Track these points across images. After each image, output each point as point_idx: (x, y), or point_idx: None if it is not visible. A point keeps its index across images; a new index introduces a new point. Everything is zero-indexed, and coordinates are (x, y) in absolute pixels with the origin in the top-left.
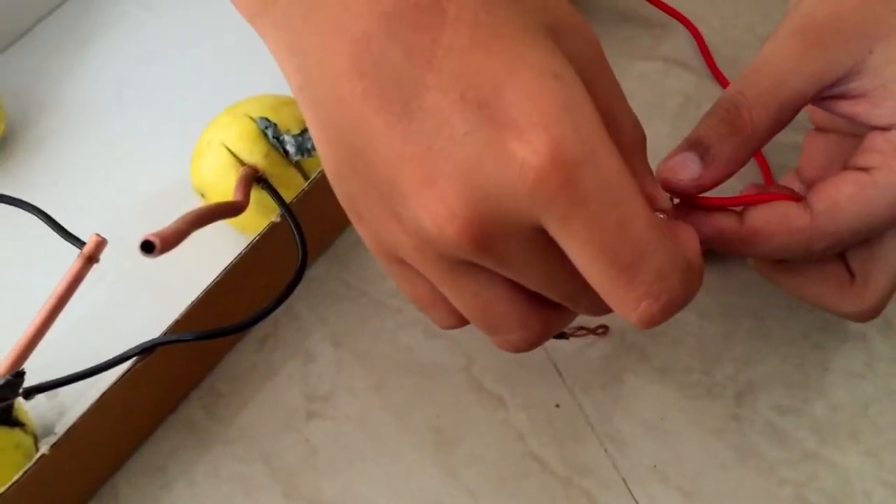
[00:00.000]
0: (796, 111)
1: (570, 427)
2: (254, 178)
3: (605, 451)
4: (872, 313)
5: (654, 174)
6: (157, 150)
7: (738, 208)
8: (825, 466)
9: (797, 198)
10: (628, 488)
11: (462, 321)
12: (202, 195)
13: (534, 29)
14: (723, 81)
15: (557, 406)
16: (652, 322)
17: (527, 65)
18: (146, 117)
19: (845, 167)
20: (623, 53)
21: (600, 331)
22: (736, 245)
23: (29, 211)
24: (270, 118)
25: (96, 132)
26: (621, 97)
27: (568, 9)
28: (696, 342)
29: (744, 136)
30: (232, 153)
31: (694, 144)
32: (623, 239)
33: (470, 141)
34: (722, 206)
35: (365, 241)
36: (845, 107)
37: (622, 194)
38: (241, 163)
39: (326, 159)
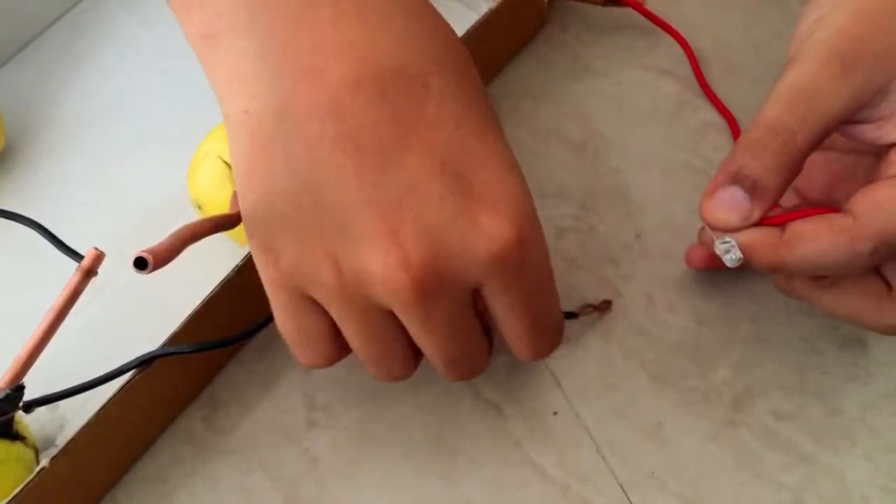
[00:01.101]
0: (831, 133)
1: (567, 434)
2: None
3: (603, 458)
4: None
5: (699, 209)
6: (155, 163)
7: None
8: (823, 471)
9: (838, 210)
10: (626, 495)
11: (330, 362)
12: (199, 207)
13: (494, 114)
14: (709, 94)
15: (555, 413)
16: (541, 356)
17: (496, 151)
18: (144, 130)
19: (876, 178)
20: (619, 60)
21: (603, 306)
22: (780, 251)
23: (27, 225)
24: None
25: (94, 146)
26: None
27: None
28: (694, 348)
29: (790, 163)
30: (228, 165)
31: (738, 178)
32: (540, 303)
33: (445, 206)
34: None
35: (262, 272)
36: (868, 131)
37: (548, 269)
38: None
39: (257, 188)
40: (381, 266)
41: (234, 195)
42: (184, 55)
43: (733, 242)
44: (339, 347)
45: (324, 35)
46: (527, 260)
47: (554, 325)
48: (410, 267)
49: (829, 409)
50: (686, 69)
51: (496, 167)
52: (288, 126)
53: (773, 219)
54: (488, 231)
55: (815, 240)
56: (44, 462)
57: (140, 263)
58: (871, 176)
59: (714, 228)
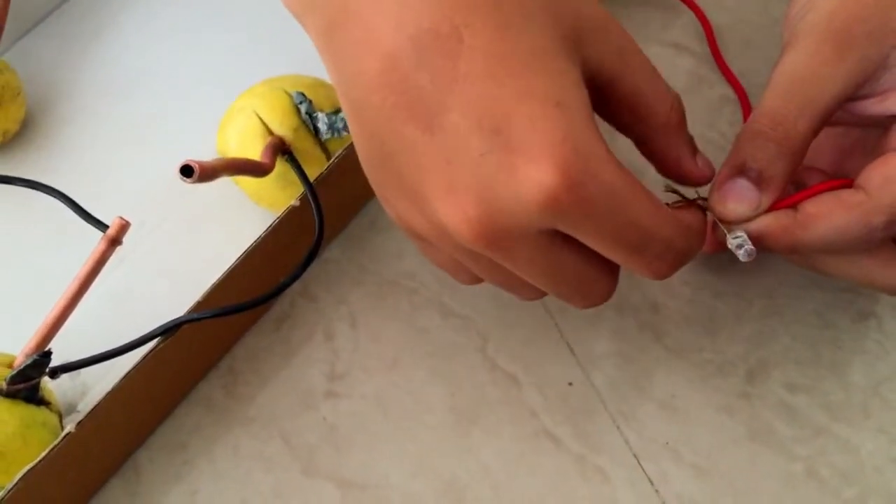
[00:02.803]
0: (833, 114)
1: (583, 405)
2: (280, 149)
3: (618, 428)
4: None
5: (708, 204)
6: (176, 132)
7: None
8: (836, 443)
9: (848, 182)
10: (641, 465)
11: (473, 282)
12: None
13: (544, 50)
14: (724, 69)
15: (571, 384)
16: (663, 277)
17: (532, 94)
18: (165, 100)
19: (885, 150)
20: (636, 36)
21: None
22: (795, 233)
23: (52, 195)
24: (306, 95)
25: (116, 115)
26: (653, 80)
27: (589, 11)
28: (709, 321)
29: (793, 151)
30: (262, 122)
31: (743, 170)
32: (629, 231)
33: (486, 161)
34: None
35: (390, 216)
36: (871, 106)
37: (624, 199)
38: (270, 133)
39: (360, 149)
40: (450, 222)
41: (265, 149)
42: (204, 25)
43: (745, 237)
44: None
45: (367, 5)
46: (586, 196)
47: (659, 244)
48: (471, 222)
49: (843, 383)
50: (702, 45)
51: (531, 111)
52: (356, 98)
53: (785, 200)
54: (531, 180)
55: (829, 218)
56: (69, 427)
57: (186, 171)
58: (878, 149)
59: (724, 220)
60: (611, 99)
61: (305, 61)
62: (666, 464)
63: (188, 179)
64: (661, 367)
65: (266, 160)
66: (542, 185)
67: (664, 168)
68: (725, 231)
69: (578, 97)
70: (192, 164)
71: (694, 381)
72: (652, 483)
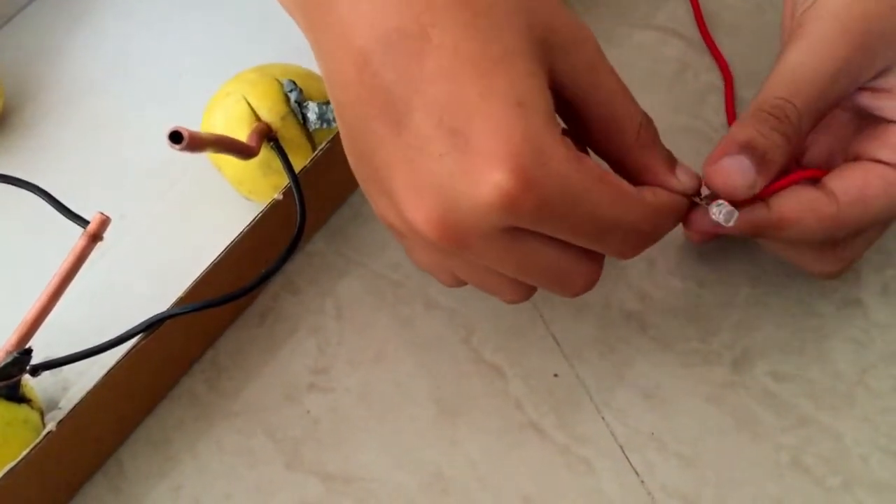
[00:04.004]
0: (833, 109)
1: (568, 396)
2: (266, 135)
3: (603, 419)
4: (841, 273)
5: (703, 173)
6: (156, 124)
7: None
8: (822, 432)
9: (821, 173)
10: (626, 456)
11: (456, 284)
12: None
13: (512, 51)
14: (716, 53)
15: (556, 376)
16: (629, 258)
17: (495, 94)
18: (144, 91)
19: (861, 155)
20: (622, 22)
21: None
22: (768, 231)
23: (31, 191)
24: (297, 84)
25: (96, 107)
26: (623, 99)
27: (562, 22)
28: (694, 310)
29: (795, 142)
30: (251, 107)
31: (748, 149)
32: (589, 224)
33: (445, 162)
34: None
35: (376, 213)
36: (866, 98)
37: (582, 194)
38: (257, 118)
39: (344, 144)
40: (415, 221)
41: (251, 133)
42: (186, 13)
43: (725, 203)
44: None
45: (345, 4)
46: (542, 196)
47: (621, 231)
48: (433, 222)
49: (828, 371)
50: (690, 31)
51: (492, 112)
52: (336, 95)
53: (764, 190)
54: (487, 182)
55: (800, 224)
56: (51, 426)
57: (175, 137)
58: (860, 149)
59: (715, 189)
60: (579, 116)
61: (292, 52)
62: (651, 454)
63: (177, 146)
64: (646, 358)
65: (252, 144)
66: (497, 187)
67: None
68: (706, 203)
69: (541, 98)
70: (182, 130)
71: (679, 371)
72: (637, 474)
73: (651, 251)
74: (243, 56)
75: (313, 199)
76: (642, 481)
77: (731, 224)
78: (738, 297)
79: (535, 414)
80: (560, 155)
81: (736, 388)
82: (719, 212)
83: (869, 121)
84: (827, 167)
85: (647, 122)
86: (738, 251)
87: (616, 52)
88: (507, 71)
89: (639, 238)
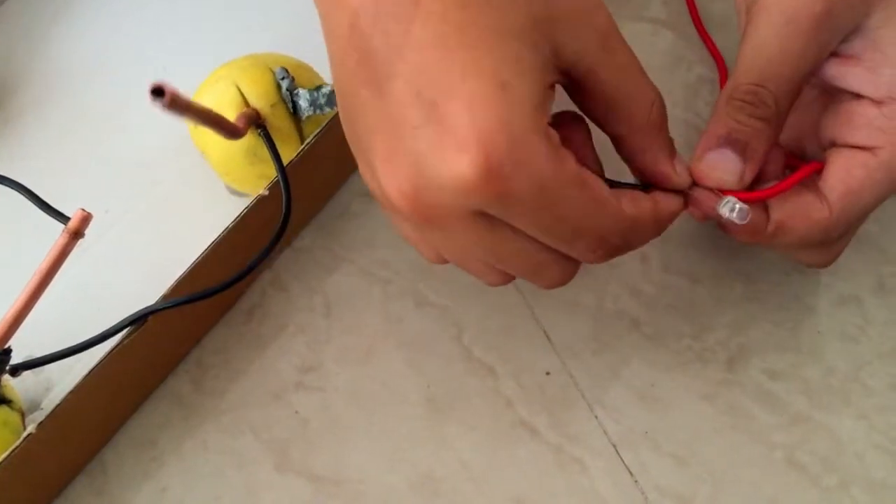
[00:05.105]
0: (807, 84)
1: (560, 394)
2: (254, 121)
3: (596, 417)
4: (830, 263)
5: (694, 174)
6: (140, 117)
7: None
8: (817, 430)
9: (820, 166)
10: (619, 455)
11: (444, 260)
12: (195, 127)
13: (505, 28)
14: (710, 45)
15: (548, 374)
16: (595, 263)
17: (479, 71)
18: (128, 84)
19: (838, 140)
20: (613, 14)
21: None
22: (764, 238)
23: (11, 187)
24: (289, 72)
25: (78, 101)
26: (635, 75)
27: None
28: (688, 307)
29: (775, 127)
30: (241, 93)
31: (729, 141)
32: (556, 227)
33: (420, 135)
34: (756, 199)
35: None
36: (833, 68)
37: (554, 195)
38: (247, 104)
39: (339, 108)
40: (390, 193)
41: (239, 116)
42: (167, 7)
43: (734, 199)
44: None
45: None
46: (510, 190)
47: (590, 240)
48: (405, 194)
49: (823, 369)
50: (682, 22)
51: (472, 90)
52: (332, 54)
53: (757, 193)
54: (456, 165)
55: (794, 231)
56: (31, 427)
57: (157, 92)
58: (829, 125)
59: (709, 188)
60: (588, 92)
61: (280, 43)
62: (645, 453)
63: (158, 100)
64: (639, 355)
65: (240, 125)
66: (464, 173)
67: (640, 171)
68: (713, 203)
69: (529, 83)
70: (164, 86)
71: (673, 369)
72: (631, 473)
73: (645, 247)
74: (230, 48)
75: (301, 193)
76: (636, 481)
77: (745, 221)
78: (733, 293)
79: (526, 413)
80: (537, 149)
81: (731, 385)
82: (730, 210)
83: (836, 96)
84: (798, 148)
85: (660, 102)
86: (733, 247)
87: None
88: (495, 48)
89: (607, 250)
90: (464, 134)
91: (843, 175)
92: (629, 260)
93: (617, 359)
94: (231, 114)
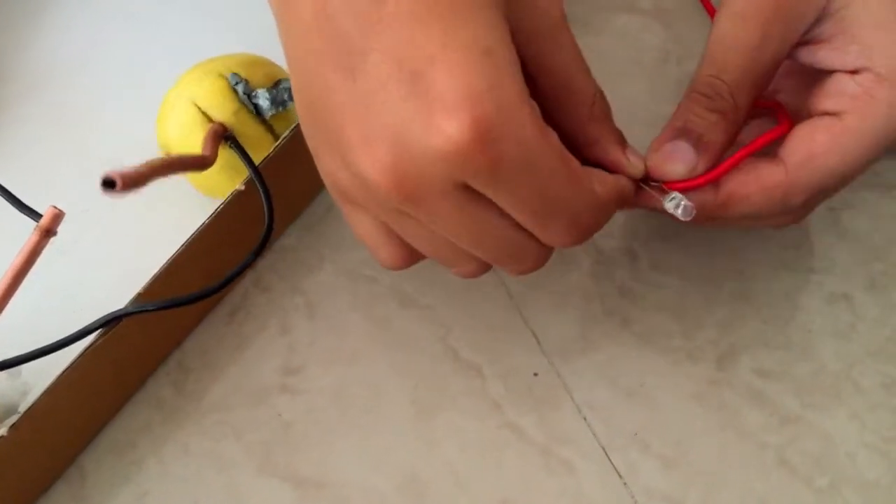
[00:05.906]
0: (774, 75)
1: (548, 395)
2: (222, 136)
3: (585, 419)
4: (800, 220)
5: (646, 163)
6: (118, 117)
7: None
8: (808, 429)
9: (788, 119)
10: (608, 456)
11: (406, 261)
12: (167, 153)
13: (478, 1)
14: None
15: (535, 374)
16: (565, 247)
17: (459, 40)
18: (107, 84)
19: (812, 112)
20: (602, 8)
21: None
22: (715, 213)
23: None
24: (241, 75)
25: (54, 101)
26: (581, 69)
27: None
28: (678, 306)
29: (731, 120)
30: (200, 110)
31: (684, 133)
32: (537, 199)
33: (402, 107)
34: (706, 182)
35: (321, 175)
36: (806, 54)
37: (539, 163)
38: (210, 120)
39: (297, 104)
40: (366, 171)
41: (206, 139)
42: (147, 6)
43: (680, 196)
44: (409, 248)
45: None
46: (498, 155)
47: (566, 217)
48: (386, 170)
49: (814, 367)
50: (671, 18)
51: (455, 57)
52: (293, 46)
53: (704, 176)
54: (444, 133)
55: (748, 200)
56: (2, 430)
57: (109, 183)
58: (806, 105)
59: (658, 177)
60: (534, 80)
61: (257, 40)
62: (634, 455)
63: (112, 191)
64: (628, 355)
65: (207, 152)
66: (453, 138)
67: (594, 162)
68: (659, 196)
69: (508, 49)
70: (113, 175)
71: (663, 369)
72: (620, 475)
73: (633, 244)
74: (208, 46)
75: (282, 193)
76: (625, 483)
77: (689, 219)
78: (723, 291)
79: (514, 414)
80: (525, 116)
81: (721, 385)
82: (675, 206)
83: (813, 77)
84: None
85: (601, 96)
86: (723, 245)
87: (595, 39)
88: (471, 18)
89: (579, 231)
90: (451, 99)
91: (805, 139)
92: (617, 258)
93: (606, 359)
94: (198, 133)
